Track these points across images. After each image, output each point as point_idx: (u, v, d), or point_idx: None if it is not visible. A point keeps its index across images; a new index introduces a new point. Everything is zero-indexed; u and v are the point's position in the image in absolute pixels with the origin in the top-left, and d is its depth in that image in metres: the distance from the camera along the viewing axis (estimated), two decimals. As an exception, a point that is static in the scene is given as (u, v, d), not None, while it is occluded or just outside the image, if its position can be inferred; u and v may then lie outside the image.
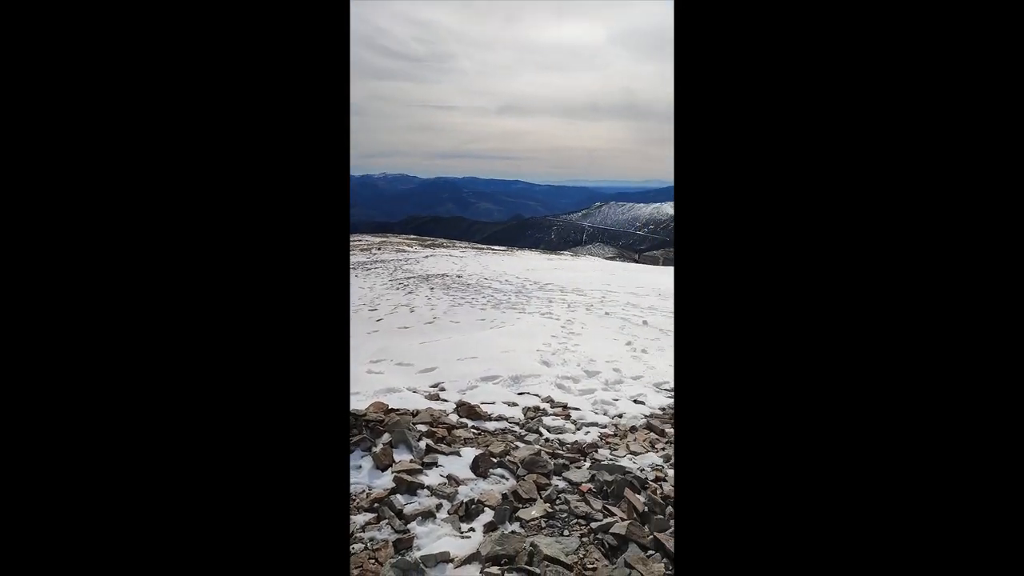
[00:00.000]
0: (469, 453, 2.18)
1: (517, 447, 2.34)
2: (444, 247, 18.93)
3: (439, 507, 1.79)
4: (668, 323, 5.93)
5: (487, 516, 1.77)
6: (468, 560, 1.51)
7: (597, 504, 1.89)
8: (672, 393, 3.43)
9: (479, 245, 24.02)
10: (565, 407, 2.99)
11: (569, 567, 1.50)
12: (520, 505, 1.86)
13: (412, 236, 25.61)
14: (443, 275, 9.89)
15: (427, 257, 14.00)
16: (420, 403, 2.81)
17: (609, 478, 2.01)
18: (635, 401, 3.20)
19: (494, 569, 1.47)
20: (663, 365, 4.05)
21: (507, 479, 2.05)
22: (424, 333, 4.99)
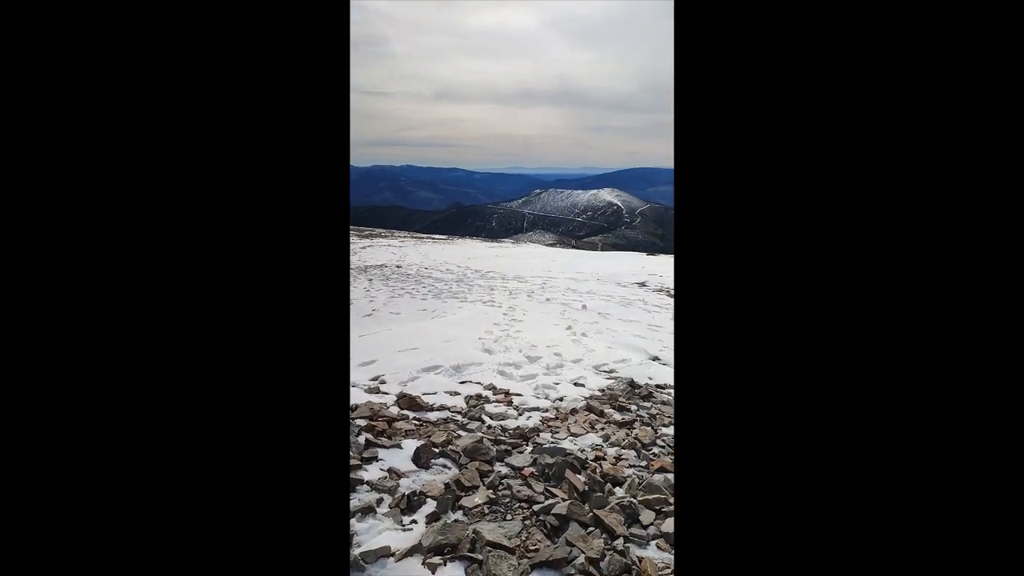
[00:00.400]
0: (410, 445, 2.15)
1: (459, 436, 2.33)
2: (382, 237, 18.49)
3: (379, 502, 1.76)
4: (606, 307, 6.10)
5: (429, 507, 1.75)
6: (409, 552, 1.49)
7: (539, 487, 1.92)
8: (611, 374, 3.53)
9: (419, 234, 23.64)
10: (507, 393, 3.01)
11: (511, 550, 1.52)
12: (463, 493, 1.86)
13: (350, 226, 24.77)
14: (382, 266, 9.67)
15: (365, 248, 13.62)
16: (359, 397, 2.74)
17: (550, 461, 2.05)
18: (575, 384, 3.27)
19: (436, 559, 1.47)
20: (602, 348, 4.16)
21: (449, 468, 2.04)
22: (363, 326, 4.86)
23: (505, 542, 1.54)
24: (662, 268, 10.75)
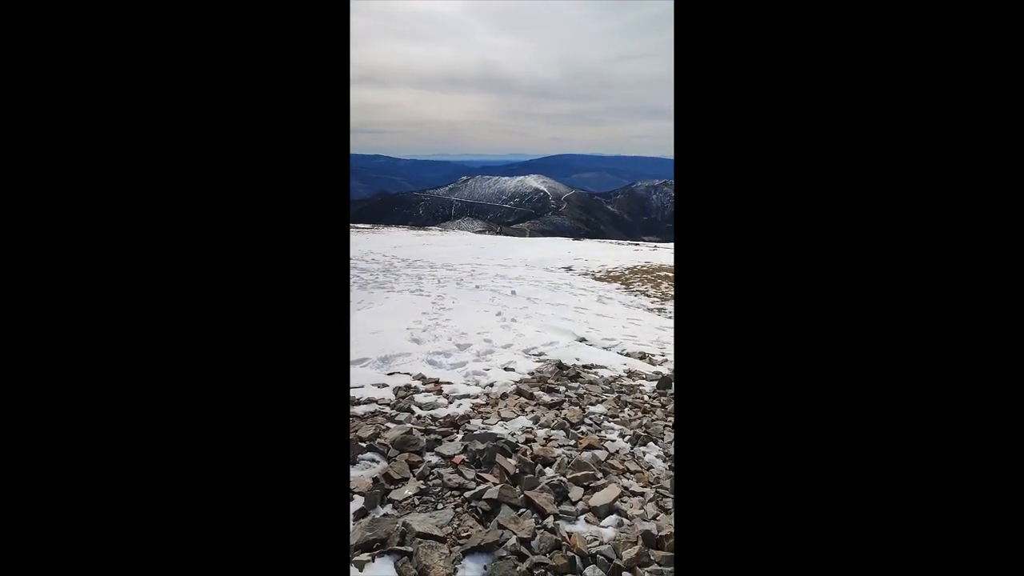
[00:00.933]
0: (336, 441, 2.07)
1: (388, 428, 2.28)
2: (303, 227, 17.59)
3: (303, 503, 1.68)
4: (535, 291, 6.18)
5: (357, 503, 1.70)
6: (337, 552, 1.44)
7: (470, 473, 1.91)
8: (540, 357, 3.58)
9: (342, 224, 22.67)
10: (437, 382, 2.98)
11: (442, 539, 1.50)
12: (392, 487, 1.82)
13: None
14: (302, 257, 9.21)
15: (283, 239, 12.92)
16: (279, 396, 2.60)
17: (481, 446, 2.05)
18: (505, 369, 3.29)
19: (364, 556, 1.42)
20: (531, 332, 4.22)
21: (378, 462, 1.99)
22: (282, 321, 4.62)
23: (436, 531, 1.53)
24: (587, 252, 11.04)
